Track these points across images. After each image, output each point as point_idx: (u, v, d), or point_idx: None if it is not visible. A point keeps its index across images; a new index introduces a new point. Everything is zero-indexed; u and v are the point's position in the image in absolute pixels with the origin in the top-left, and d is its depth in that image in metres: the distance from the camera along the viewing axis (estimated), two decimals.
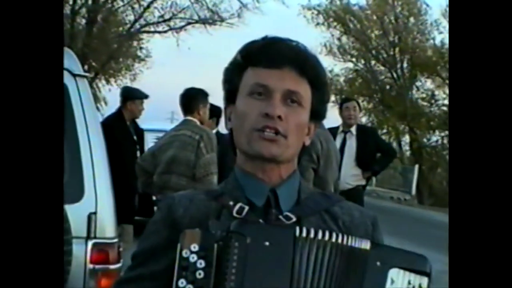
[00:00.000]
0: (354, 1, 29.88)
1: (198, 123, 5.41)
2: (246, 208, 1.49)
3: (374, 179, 23.72)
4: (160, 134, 10.82)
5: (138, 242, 1.62)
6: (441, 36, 30.26)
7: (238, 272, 1.31)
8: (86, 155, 3.35)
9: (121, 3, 24.20)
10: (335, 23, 29.55)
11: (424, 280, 1.43)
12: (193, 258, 1.32)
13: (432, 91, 29.60)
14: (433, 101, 29.63)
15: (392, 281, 1.41)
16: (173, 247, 1.40)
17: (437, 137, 29.68)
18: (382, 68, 30.11)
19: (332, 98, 28.22)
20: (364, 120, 27.93)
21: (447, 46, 28.37)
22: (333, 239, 1.41)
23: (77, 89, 3.42)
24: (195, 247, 1.33)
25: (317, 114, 1.59)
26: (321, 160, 5.57)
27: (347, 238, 1.42)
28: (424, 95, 29.79)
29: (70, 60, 3.53)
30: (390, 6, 28.98)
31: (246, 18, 23.69)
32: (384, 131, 29.48)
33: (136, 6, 24.02)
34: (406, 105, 28.16)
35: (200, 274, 1.32)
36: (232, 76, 1.58)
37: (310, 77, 1.54)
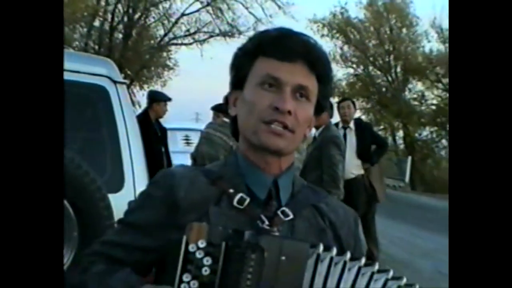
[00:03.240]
0: (354, 15, 29.75)
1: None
2: (248, 199, 1.34)
3: None
4: (187, 132, 10.91)
5: (129, 207, 1.43)
6: (429, 44, 30.30)
7: (252, 285, 1.16)
8: (126, 151, 3.33)
9: (152, 20, 24.34)
10: (337, 34, 29.40)
11: None
12: (199, 254, 1.17)
13: (422, 92, 29.43)
14: (423, 101, 29.48)
15: None
16: (168, 227, 1.31)
17: (427, 132, 29.59)
18: (378, 72, 29.96)
19: (336, 99, 28.21)
20: (363, 118, 27.88)
21: (435, 53, 28.29)
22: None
23: (117, 94, 3.40)
24: (202, 243, 1.17)
25: (320, 107, 1.43)
26: (344, 154, 5.70)
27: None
28: (415, 96, 29.64)
29: (111, 69, 3.51)
30: (386, 19, 28.89)
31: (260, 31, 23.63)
32: (381, 127, 29.45)
33: (166, 22, 24.11)
34: (400, 104, 28.07)
35: (206, 271, 1.17)
36: (242, 63, 1.40)
37: (319, 73, 1.38)
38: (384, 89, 29.83)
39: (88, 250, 1.41)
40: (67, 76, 3.33)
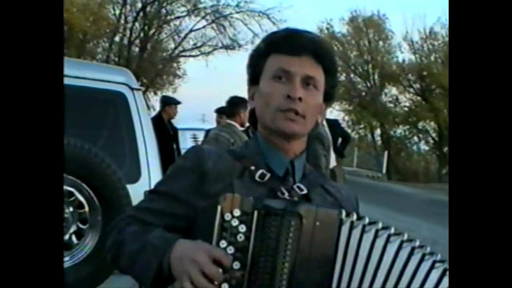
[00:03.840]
0: (338, 30, 29.77)
1: (238, 126, 4.89)
2: (268, 175, 1.33)
3: (355, 162, 23.88)
4: (194, 131, 10.93)
5: (163, 178, 1.39)
6: (402, 55, 30.21)
7: (292, 250, 1.13)
8: (142, 147, 3.34)
9: (164, 35, 24.38)
10: None
11: None
12: (235, 222, 1.13)
13: (396, 96, 29.43)
14: (397, 103, 29.51)
15: None
16: (197, 195, 1.29)
17: (400, 130, 29.60)
18: (359, 79, 29.91)
19: None
20: (346, 118, 28.06)
21: (407, 62, 28.27)
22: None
23: (134, 99, 3.41)
24: (236, 212, 1.13)
25: (329, 96, 1.40)
26: (328, 148, 5.67)
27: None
28: (390, 99, 29.63)
29: (129, 78, 3.52)
30: (365, 33, 28.87)
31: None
32: (361, 126, 29.49)
33: (176, 37, 24.14)
34: (377, 106, 28.06)
35: (240, 237, 1.13)
36: (257, 61, 1.39)
37: (324, 65, 1.36)
38: (363, 93, 29.79)
39: (122, 215, 1.37)
40: (91, 84, 3.37)
